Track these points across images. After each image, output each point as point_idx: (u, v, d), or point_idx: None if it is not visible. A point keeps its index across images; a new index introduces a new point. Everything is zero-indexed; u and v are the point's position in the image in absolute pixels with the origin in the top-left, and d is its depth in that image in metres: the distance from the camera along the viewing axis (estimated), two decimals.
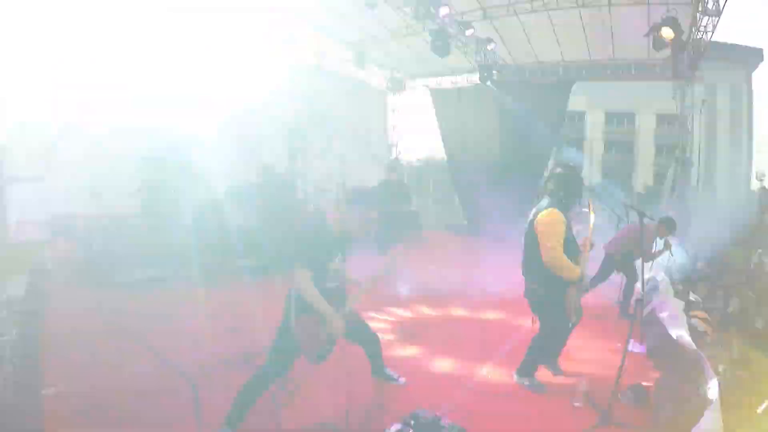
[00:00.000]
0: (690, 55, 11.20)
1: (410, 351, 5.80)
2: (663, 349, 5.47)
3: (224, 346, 5.36)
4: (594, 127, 38.88)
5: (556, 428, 4.15)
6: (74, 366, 4.75)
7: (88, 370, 4.64)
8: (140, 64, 9.79)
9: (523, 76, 15.09)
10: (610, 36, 12.21)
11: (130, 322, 6.00)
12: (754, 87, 34.22)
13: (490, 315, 7.36)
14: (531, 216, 4.58)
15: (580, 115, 39.11)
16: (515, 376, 4.92)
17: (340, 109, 16.09)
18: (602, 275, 7.53)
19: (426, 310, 7.60)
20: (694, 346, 4.87)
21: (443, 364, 5.41)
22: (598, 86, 33.79)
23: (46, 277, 7.45)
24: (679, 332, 5.26)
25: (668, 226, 7.27)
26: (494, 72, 14.60)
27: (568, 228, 4.44)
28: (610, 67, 13.86)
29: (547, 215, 4.38)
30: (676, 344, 5.13)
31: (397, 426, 3.69)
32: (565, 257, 4.28)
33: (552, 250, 4.25)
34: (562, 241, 4.30)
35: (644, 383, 4.80)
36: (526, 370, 4.87)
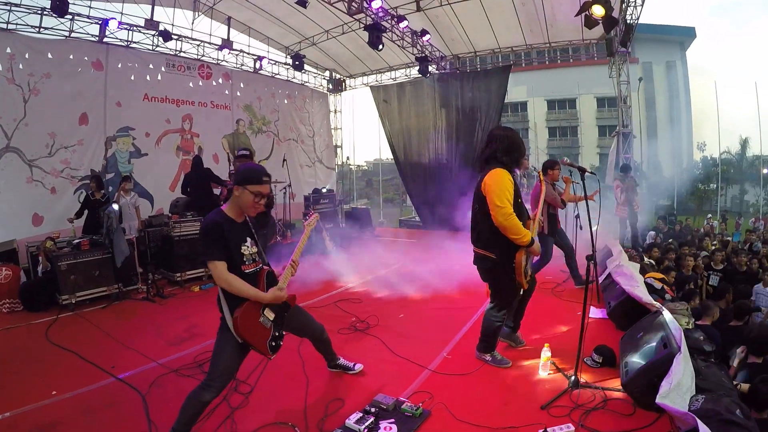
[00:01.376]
0: (622, 32, 11.44)
1: (365, 339, 5.65)
2: (623, 309, 5.53)
3: (175, 357, 5.16)
4: (537, 115, 39.57)
5: (526, 400, 4.01)
6: (21, 390, 4.47)
7: (36, 393, 4.37)
8: None
9: (461, 66, 15.22)
10: (543, 20, 12.42)
11: (73, 340, 5.77)
12: (689, 63, 35.74)
13: (447, 298, 7.32)
14: (478, 180, 4.33)
15: (523, 105, 39.91)
16: (476, 353, 4.80)
17: (282, 113, 16.05)
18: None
19: (378, 295, 7.60)
20: (654, 302, 4.97)
21: (401, 350, 5.17)
22: (537, 75, 34.85)
23: None
24: (639, 291, 5.33)
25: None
26: (432, 64, 14.62)
27: (516, 190, 4.22)
28: (546, 51, 14.09)
29: (493, 173, 4.13)
30: (636, 303, 5.24)
31: (357, 414, 3.62)
32: (515, 216, 4.04)
33: (501, 208, 4.00)
34: (511, 200, 4.07)
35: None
36: (486, 345, 4.71)
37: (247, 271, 3.36)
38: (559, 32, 13.15)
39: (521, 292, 4.60)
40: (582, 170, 4.51)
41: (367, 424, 3.50)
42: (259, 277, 3.45)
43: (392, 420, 3.59)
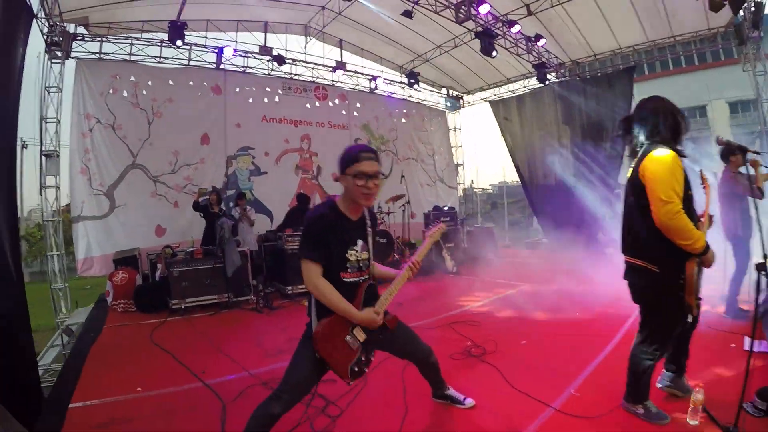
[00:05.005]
0: (751, 13, 10.24)
1: (480, 367, 4.81)
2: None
3: (268, 369, 4.98)
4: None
5: None
6: (111, 382, 4.63)
7: (121, 387, 4.49)
8: None
9: (581, 72, 14.43)
10: (663, 11, 11.35)
11: (174, 342, 5.95)
12: None
13: (576, 324, 6.32)
14: (632, 166, 3.29)
15: None
16: (623, 403, 3.58)
17: (400, 132, 16.10)
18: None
19: (499, 318, 6.88)
20: None
21: (520, 382, 4.28)
22: (657, 85, 32.31)
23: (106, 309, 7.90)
24: None
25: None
26: (550, 72, 13.95)
27: (687, 180, 3.12)
28: (670, 47, 12.95)
29: (658, 156, 3.06)
30: None
31: None
32: (684, 215, 2.96)
33: (666, 203, 2.93)
34: (681, 192, 3.00)
35: None
36: (636, 393, 3.49)
37: (347, 279, 2.90)
38: (682, 24, 11.88)
39: (689, 319, 3.28)
40: (744, 150, 3.45)
41: None
42: (358, 289, 2.95)
43: None
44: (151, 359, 5.36)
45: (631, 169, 3.32)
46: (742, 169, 5.52)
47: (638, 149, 3.31)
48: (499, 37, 11.70)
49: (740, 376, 3.28)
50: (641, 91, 12.99)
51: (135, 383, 4.53)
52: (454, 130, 18.48)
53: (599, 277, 8.80)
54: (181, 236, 10.17)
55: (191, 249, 8.04)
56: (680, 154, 3.13)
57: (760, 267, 3.03)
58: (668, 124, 3.22)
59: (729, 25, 11.35)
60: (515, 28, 11.47)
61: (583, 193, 13.20)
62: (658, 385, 3.74)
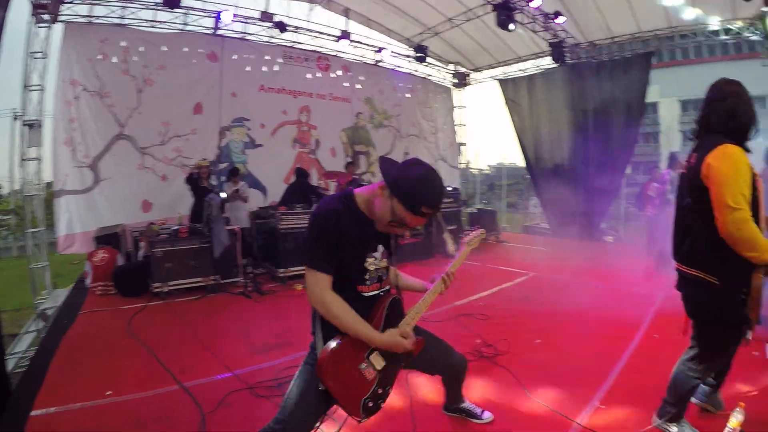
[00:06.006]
0: None
1: (492, 371, 4.36)
2: None
3: (256, 368, 4.46)
4: (668, 118, 36.17)
5: None
6: (78, 384, 4.10)
7: (90, 390, 3.96)
8: None
9: (597, 54, 13.76)
10: None
11: (153, 333, 5.44)
12: None
13: (595, 321, 5.80)
14: (692, 161, 2.86)
15: (653, 107, 36.60)
16: (655, 420, 3.27)
17: (404, 108, 15.47)
18: None
19: (510, 311, 6.30)
20: None
21: (539, 391, 3.91)
22: (669, 73, 31.67)
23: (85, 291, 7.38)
24: None
25: None
26: (566, 51, 13.27)
27: (753, 180, 2.69)
28: (693, 35, 12.29)
29: (724, 152, 2.66)
30: None
31: None
32: (753, 223, 2.57)
33: (735, 210, 2.54)
34: (749, 195, 2.60)
35: None
36: (674, 411, 3.18)
37: (366, 293, 2.38)
38: (708, 10, 11.28)
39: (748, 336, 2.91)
40: None
41: None
42: (379, 304, 2.42)
43: None
44: (125, 354, 4.81)
45: (686, 163, 2.95)
46: None
47: (701, 138, 2.89)
48: (517, 11, 11.00)
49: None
50: (658, 78, 12.51)
51: (105, 385, 4.00)
52: (459, 108, 17.86)
53: (610, 268, 8.73)
54: (168, 212, 9.51)
55: (177, 227, 7.45)
56: (746, 149, 2.72)
57: None
58: (745, 116, 2.77)
59: (756, 18, 10.72)
60: (535, 2, 10.87)
61: (590, 179, 12.82)
62: (692, 400, 3.33)
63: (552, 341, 5.16)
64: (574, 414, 3.51)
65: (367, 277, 2.35)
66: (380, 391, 2.37)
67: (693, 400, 3.34)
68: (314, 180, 12.18)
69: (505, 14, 10.46)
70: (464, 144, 18.09)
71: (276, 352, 4.83)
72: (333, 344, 2.24)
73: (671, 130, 35.09)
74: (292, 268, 7.97)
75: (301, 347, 4.35)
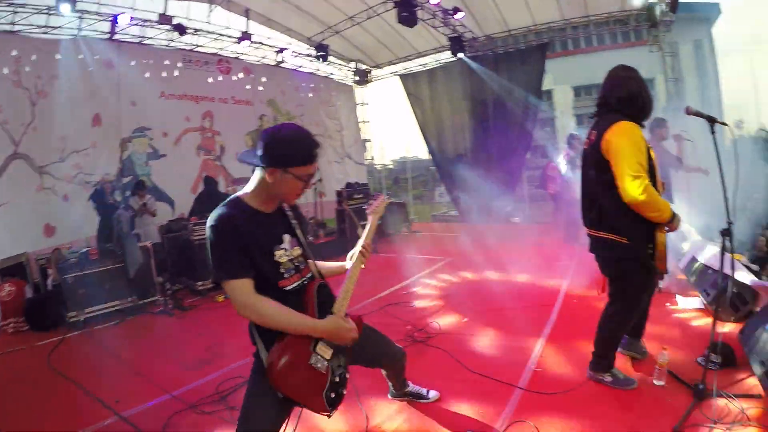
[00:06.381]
0: None
1: (429, 353, 4.52)
2: (728, 296, 4.47)
3: (194, 386, 4.26)
4: (562, 104, 38.22)
5: (652, 419, 3.06)
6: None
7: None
8: None
9: (494, 47, 14.35)
10: None
11: (77, 366, 5.06)
12: (715, 40, 34.36)
13: (513, 295, 6.21)
14: (593, 138, 3.29)
15: (548, 94, 38.51)
16: (589, 372, 3.64)
17: (307, 108, 15.41)
18: None
19: (433, 296, 6.62)
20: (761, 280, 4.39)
21: (477, 364, 4.10)
22: (561, 63, 33.40)
23: None
24: (743, 274, 4.60)
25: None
26: (465, 45, 13.72)
27: (648, 150, 3.15)
28: (584, 26, 13.07)
29: (620, 128, 3.07)
30: (745, 286, 4.53)
31: None
32: (652, 187, 2.99)
33: (636, 178, 2.93)
34: (646, 164, 3.02)
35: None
36: (604, 362, 3.56)
37: (289, 287, 2.31)
38: (599, 4, 12.06)
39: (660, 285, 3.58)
40: (711, 120, 3.32)
41: None
42: (306, 294, 2.36)
43: None
44: (52, 393, 4.43)
45: (587, 141, 3.40)
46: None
47: (600, 116, 3.34)
48: (418, 7, 11.20)
49: (683, 333, 4.17)
50: (551, 67, 13.29)
51: (33, 429, 3.70)
52: (362, 105, 18.05)
53: (521, 246, 9.36)
54: (73, 234, 8.86)
55: (86, 249, 7.01)
56: (641, 126, 3.19)
57: (724, 233, 3.14)
58: (641, 99, 3.23)
59: (643, 8, 11.59)
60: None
61: (494, 165, 13.56)
62: (619, 350, 3.75)
63: (478, 318, 5.46)
64: (515, 380, 3.75)
65: (282, 270, 2.30)
66: (337, 379, 2.33)
67: (619, 350, 3.72)
68: (222, 187, 11.83)
69: (407, 11, 10.63)
70: (369, 140, 18.26)
71: (210, 366, 4.64)
72: (276, 347, 2.18)
73: (566, 115, 37.06)
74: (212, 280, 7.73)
75: (235, 357, 4.31)
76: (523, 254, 8.27)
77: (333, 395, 2.29)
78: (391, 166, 39.72)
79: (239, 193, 2.31)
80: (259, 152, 2.18)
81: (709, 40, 34.76)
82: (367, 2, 12.16)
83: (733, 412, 2.99)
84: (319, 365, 2.25)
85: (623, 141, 3.03)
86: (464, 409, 3.43)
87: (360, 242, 2.66)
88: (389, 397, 3.55)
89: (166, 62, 11.45)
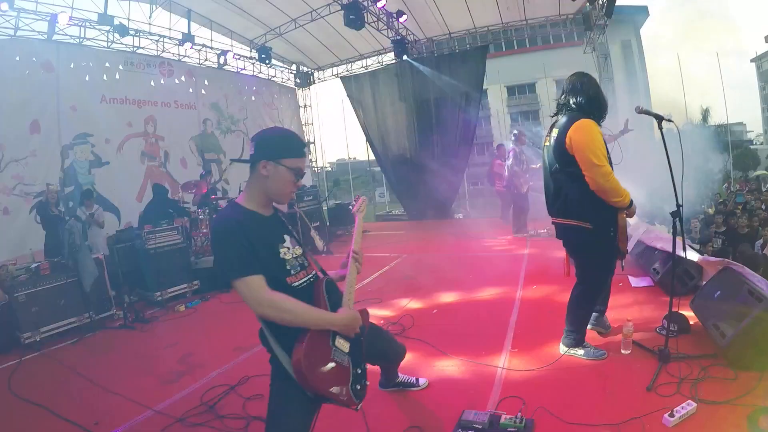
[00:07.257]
0: (605, 2, 10.91)
1: (409, 344, 4.31)
2: (675, 273, 4.79)
3: (176, 399, 4.12)
4: (496, 103, 39.26)
5: (626, 384, 3.45)
6: None
7: None
8: None
9: (436, 49, 14.69)
10: None
11: (43, 389, 4.76)
12: (643, 41, 36.08)
13: (474, 285, 6.61)
14: (555, 135, 3.65)
15: (484, 93, 39.48)
16: (562, 348, 4.02)
17: (251, 111, 15.18)
18: None
19: (398, 292, 6.81)
20: (717, 258, 4.82)
21: (457, 351, 4.33)
22: (495, 63, 34.26)
23: None
24: (690, 253, 5.06)
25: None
26: (407, 47, 13.97)
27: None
28: (522, 29, 13.49)
29: (582, 126, 3.44)
30: (691, 263, 5.07)
31: None
32: (614, 175, 3.41)
33: (601, 167, 3.33)
34: (606, 155, 3.44)
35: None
36: (577, 337, 3.94)
37: (296, 283, 2.31)
38: (536, 8, 12.56)
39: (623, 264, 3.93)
40: (659, 118, 3.67)
41: None
42: (316, 290, 2.37)
43: None
44: (20, 419, 4.11)
45: (549, 138, 3.77)
46: None
47: (561, 115, 3.71)
48: (363, 11, 11.24)
49: (640, 308, 4.75)
50: (487, 67, 13.70)
51: None
52: (305, 108, 17.95)
53: (470, 239, 9.78)
54: (17, 249, 8.31)
55: (36, 264, 6.63)
56: (599, 124, 3.57)
57: (674, 214, 3.52)
58: (598, 100, 3.63)
59: (578, 13, 12.10)
60: (381, 2, 11.27)
61: (437, 164, 13.78)
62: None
63: (447, 309, 5.82)
64: (496, 362, 4.07)
65: (288, 267, 2.32)
66: (359, 370, 2.37)
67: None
68: (169, 194, 11.43)
69: (354, 14, 10.68)
70: (312, 143, 18.12)
71: (188, 377, 4.48)
72: (300, 347, 2.15)
73: (500, 113, 38.10)
74: (170, 289, 7.55)
75: (213, 366, 4.27)
76: (473, 247, 8.78)
77: (358, 387, 2.34)
78: (328, 169, 39.79)
79: (235, 199, 2.43)
80: (252, 151, 2.29)
81: (638, 41, 36.47)
82: (311, 4, 12.16)
83: (695, 370, 3.45)
84: (339, 359, 2.29)
85: (586, 136, 3.40)
86: (454, 392, 3.63)
87: (352, 247, 2.72)
88: (380, 388, 3.65)
89: (107, 64, 10.92)
